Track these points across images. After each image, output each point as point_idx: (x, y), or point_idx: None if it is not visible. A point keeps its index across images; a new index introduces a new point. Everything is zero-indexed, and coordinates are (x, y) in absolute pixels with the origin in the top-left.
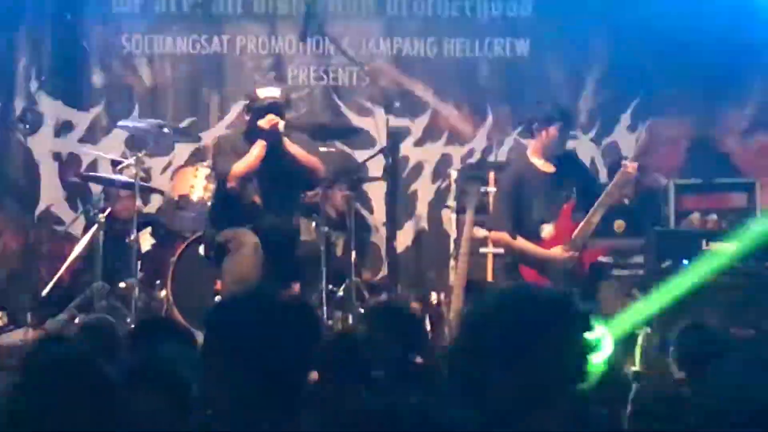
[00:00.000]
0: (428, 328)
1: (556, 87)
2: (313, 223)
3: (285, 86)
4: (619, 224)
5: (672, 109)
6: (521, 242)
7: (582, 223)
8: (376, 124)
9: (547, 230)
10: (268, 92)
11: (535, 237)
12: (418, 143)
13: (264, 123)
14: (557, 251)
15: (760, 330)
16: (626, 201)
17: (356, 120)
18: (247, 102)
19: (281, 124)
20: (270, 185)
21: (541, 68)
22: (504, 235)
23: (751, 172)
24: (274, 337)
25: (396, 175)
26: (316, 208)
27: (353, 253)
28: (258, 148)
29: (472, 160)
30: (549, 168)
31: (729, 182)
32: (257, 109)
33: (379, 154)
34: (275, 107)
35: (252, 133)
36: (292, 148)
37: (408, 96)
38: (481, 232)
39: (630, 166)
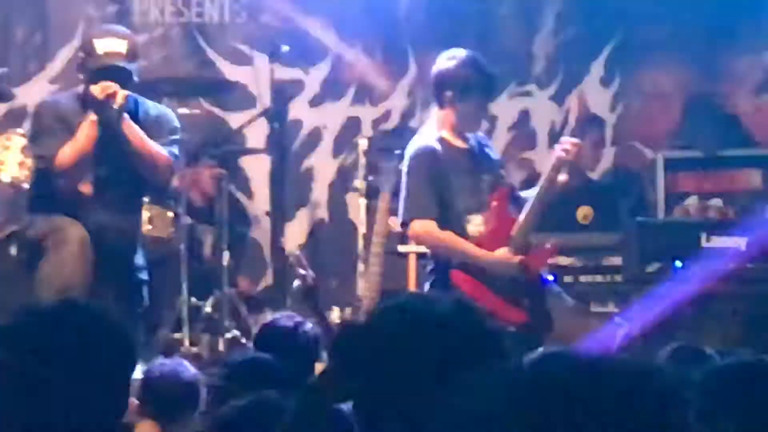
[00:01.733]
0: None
1: (501, 25)
2: (170, 213)
3: (127, 34)
4: (584, 212)
5: (661, 55)
6: (455, 239)
7: (522, 217)
8: (257, 76)
9: (475, 223)
10: (108, 46)
11: (461, 232)
12: (315, 102)
13: (97, 91)
14: (504, 253)
15: None
16: (563, 187)
17: (229, 71)
18: (81, 54)
19: (121, 96)
20: (105, 173)
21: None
22: (430, 226)
23: None
24: (57, 379)
25: (284, 146)
26: (175, 193)
27: (226, 254)
28: (87, 128)
29: (389, 125)
30: (462, 144)
31: (738, 155)
32: (91, 71)
33: (262, 117)
34: (115, 71)
35: (88, 100)
36: (130, 130)
37: (300, 38)
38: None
39: (565, 145)
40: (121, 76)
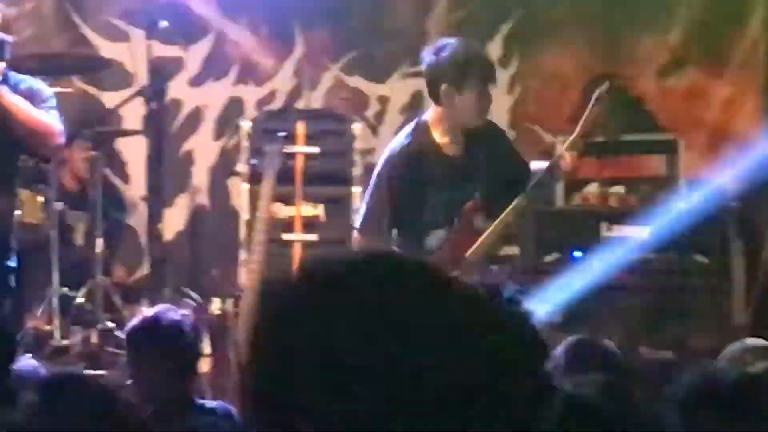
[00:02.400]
0: (205, 350)
1: (393, 2)
2: (40, 198)
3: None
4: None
5: (561, 35)
6: None
7: (483, 238)
8: (133, 53)
9: (435, 239)
10: None
11: (419, 246)
12: (196, 82)
13: None
14: None
15: (682, 350)
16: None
17: (104, 47)
18: None
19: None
20: None
21: None
22: (373, 243)
23: (674, 125)
24: None
25: (162, 127)
26: (45, 176)
27: (99, 242)
28: None
29: (274, 106)
30: (456, 150)
31: (641, 140)
32: None
33: (138, 96)
34: None
35: None
36: (10, 101)
37: (180, 12)
38: (284, 211)
39: (566, 157)
40: None
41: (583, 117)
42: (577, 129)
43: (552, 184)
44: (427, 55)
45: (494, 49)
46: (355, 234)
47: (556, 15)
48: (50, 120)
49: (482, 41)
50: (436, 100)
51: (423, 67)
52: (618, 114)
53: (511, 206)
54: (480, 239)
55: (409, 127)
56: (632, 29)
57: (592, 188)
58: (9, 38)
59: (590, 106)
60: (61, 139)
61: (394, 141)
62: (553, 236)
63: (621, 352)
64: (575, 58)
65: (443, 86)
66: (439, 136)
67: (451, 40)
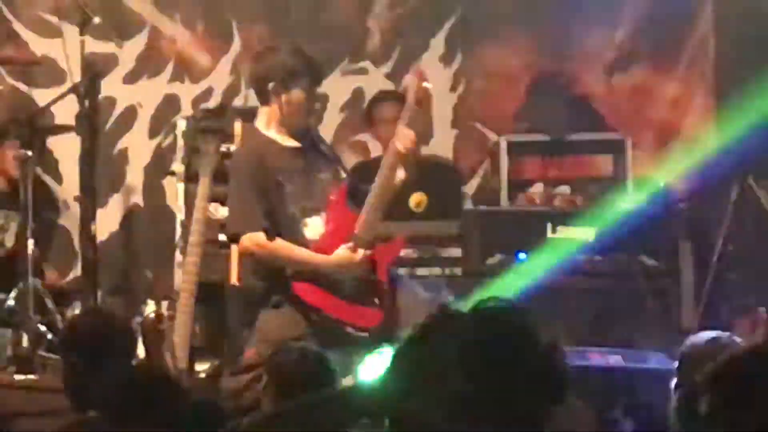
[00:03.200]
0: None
1: None
2: None
3: None
4: (417, 200)
5: (505, 30)
6: (289, 248)
7: (364, 213)
8: (66, 48)
9: (313, 226)
10: None
11: (297, 238)
12: (130, 78)
13: None
14: (343, 254)
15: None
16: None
17: (36, 44)
18: None
19: None
20: None
21: None
22: (260, 238)
23: (621, 124)
24: None
25: (96, 125)
26: None
27: (31, 243)
28: None
29: (210, 104)
30: (293, 142)
31: (587, 140)
32: None
33: (71, 93)
34: None
35: None
36: None
37: (114, 8)
38: (220, 211)
39: (402, 140)
40: None
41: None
42: (408, 105)
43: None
44: (256, 55)
45: (437, 46)
46: (234, 236)
47: (501, 10)
48: None
49: (424, 38)
50: (264, 100)
51: (250, 67)
52: (560, 112)
53: (378, 182)
54: (362, 216)
55: (244, 137)
56: (579, 25)
57: (537, 188)
58: None
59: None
60: None
61: (235, 151)
62: (497, 237)
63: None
64: (520, 54)
65: (270, 85)
66: (273, 134)
67: (281, 42)
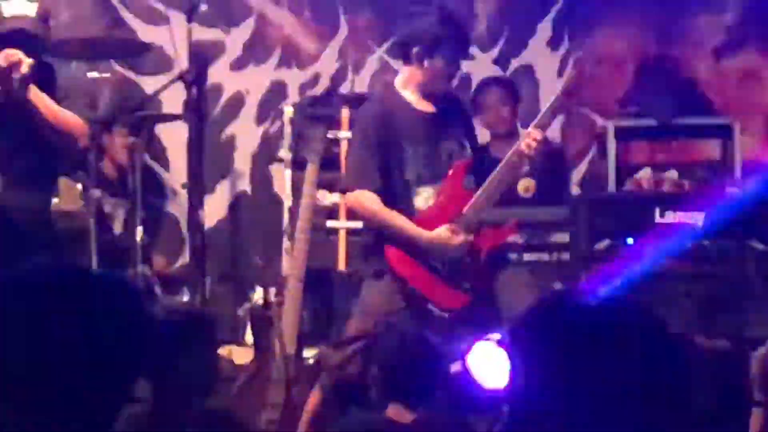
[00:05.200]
0: (251, 340)
1: None
2: (79, 185)
3: None
4: (525, 185)
5: (612, 15)
6: (391, 215)
7: (477, 195)
8: (173, 37)
9: (425, 196)
10: (16, 8)
11: (407, 205)
12: (237, 66)
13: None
14: (443, 234)
15: (739, 339)
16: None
17: (143, 31)
18: None
19: (26, 66)
20: (8, 147)
21: None
22: (367, 198)
23: (729, 108)
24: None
25: (203, 113)
26: (83, 163)
27: (139, 230)
28: None
29: (317, 90)
30: (428, 107)
31: (695, 124)
32: None
33: (179, 81)
34: (22, 36)
35: None
36: (41, 102)
37: None
38: (328, 198)
39: (532, 137)
40: (28, 43)
41: (555, 95)
42: (547, 106)
43: (520, 165)
44: (406, 16)
45: (544, 30)
46: (346, 188)
47: None
48: (81, 122)
49: (531, 23)
50: (406, 60)
51: (399, 26)
52: (668, 96)
53: (500, 166)
54: (475, 197)
55: (377, 92)
56: (686, 9)
57: (645, 173)
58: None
59: (563, 84)
60: (87, 140)
61: (365, 105)
62: (604, 223)
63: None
64: (627, 38)
65: (415, 48)
66: (408, 95)
67: (433, 6)
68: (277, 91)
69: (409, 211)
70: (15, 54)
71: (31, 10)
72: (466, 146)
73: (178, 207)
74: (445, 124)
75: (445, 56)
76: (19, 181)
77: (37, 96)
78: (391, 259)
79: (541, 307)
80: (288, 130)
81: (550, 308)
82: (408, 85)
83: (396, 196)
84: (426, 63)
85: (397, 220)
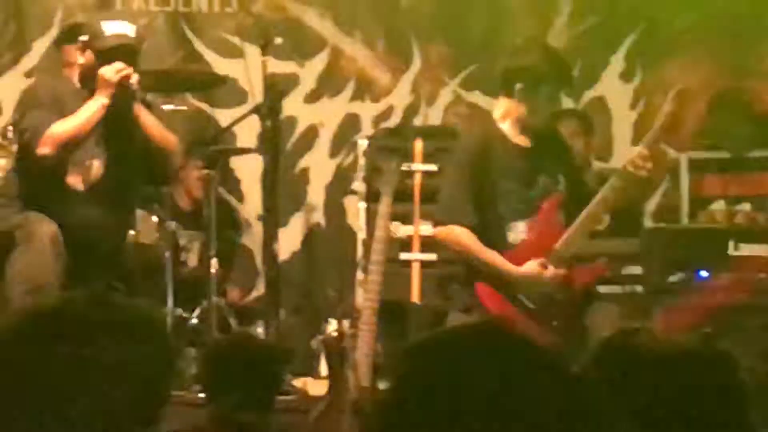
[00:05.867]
0: (325, 372)
1: (514, 14)
2: (155, 217)
3: (133, 16)
4: None
5: (686, 47)
6: (482, 249)
7: (571, 230)
8: (248, 69)
9: (519, 231)
10: (117, 27)
11: (500, 240)
12: (311, 98)
13: (110, 73)
14: (532, 269)
15: None
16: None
17: (218, 64)
18: (84, 37)
19: (135, 78)
20: (100, 165)
21: None
22: (460, 232)
23: None
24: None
25: (278, 145)
26: (159, 196)
27: (214, 262)
28: (95, 107)
29: (391, 123)
30: (525, 141)
31: None
32: (99, 51)
33: (253, 114)
34: (127, 52)
35: (96, 82)
36: (146, 117)
37: (295, 28)
38: (402, 230)
39: (639, 159)
40: (132, 59)
41: (661, 117)
42: (654, 128)
43: (628, 184)
44: (510, 50)
45: (617, 63)
46: (440, 222)
47: (681, 27)
48: (176, 141)
49: (604, 55)
50: (507, 94)
51: (502, 60)
52: (741, 129)
53: (595, 200)
54: (568, 232)
55: (475, 124)
56: (759, 42)
57: (719, 206)
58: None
59: (667, 105)
60: (181, 159)
61: (463, 135)
62: (678, 255)
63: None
64: (700, 71)
65: (518, 85)
66: (506, 128)
67: (536, 41)
68: (350, 124)
69: (502, 246)
70: (124, 67)
71: (131, 30)
72: (560, 181)
73: (252, 239)
74: (540, 158)
75: (547, 93)
76: (104, 200)
77: (140, 109)
78: (481, 296)
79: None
80: (362, 162)
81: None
82: (506, 118)
83: (490, 231)
84: (528, 99)
85: (488, 254)
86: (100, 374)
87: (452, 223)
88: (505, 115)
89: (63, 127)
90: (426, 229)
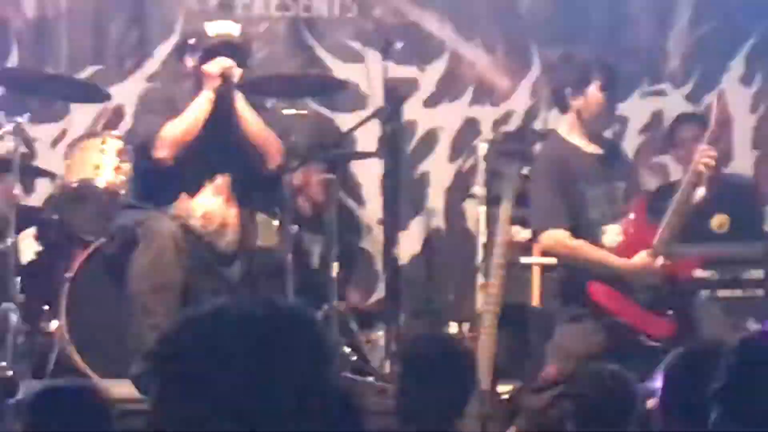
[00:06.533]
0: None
1: (632, 19)
2: (276, 221)
3: (237, 19)
4: (719, 221)
5: None
6: (589, 247)
7: (663, 226)
8: (369, 74)
9: (612, 234)
10: (221, 27)
11: (594, 244)
12: (431, 103)
13: (213, 68)
14: (644, 258)
15: None
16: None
17: (339, 68)
18: (192, 40)
19: (236, 73)
20: (216, 160)
21: None
22: (561, 235)
23: None
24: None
25: (398, 149)
26: (281, 199)
27: (335, 265)
28: (203, 102)
29: (510, 127)
30: (596, 149)
31: None
32: (204, 49)
33: (373, 118)
34: (230, 48)
35: (201, 78)
36: (246, 112)
37: (415, 33)
38: (522, 234)
39: (704, 157)
40: (236, 55)
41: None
42: (711, 125)
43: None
44: (559, 63)
45: (737, 67)
46: (538, 229)
47: None
48: (278, 140)
49: (724, 59)
50: (564, 108)
51: (552, 74)
52: None
53: (676, 197)
54: (661, 227)
55: (546, 141)
56: None
57: None
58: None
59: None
60: (280, 159)
61: (538, 154)
62: None
63: None
64: None
65: (567, 90)
66: (575, 139)
67: (582, 52)
68: (470, 128)
69: (599, 245)
70: (228, 61)
71: (235, 29)
72: (639, 182)
73: (372, 243)
74: (612, 163)
75: (596, 88)
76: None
77: (242, 106)
78: (596, 294)
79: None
80: (482, 166)
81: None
82: (572, 131)
83: (584, 236)
84: (581, 100)
85: (597, 252)
86: (278, 371)
87: (549, 228)
88: (570, 128)
89: (173, 128)
90: (527, 233)
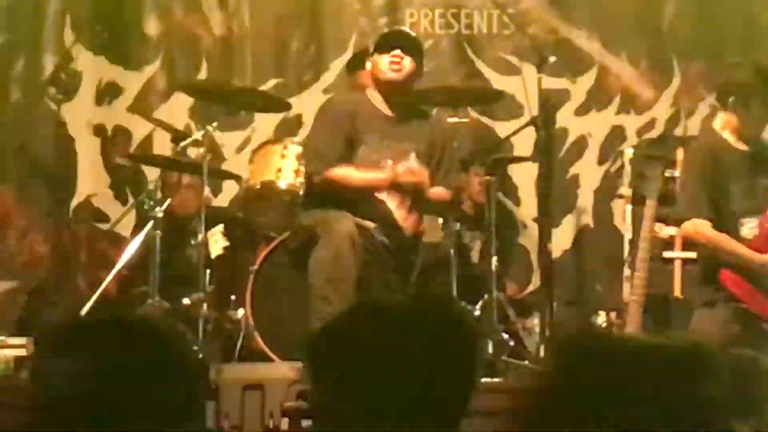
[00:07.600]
0: None
1: None
2: (440, 219)
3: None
4: None
5: None
6: (726, 238)
7: None
8: (525, 85)
9: (750, 227)
10: (396, 30)
11: (733, 236)
12: (581, 111)
13: (405, 175)
14: None
15: None
16: None
17: (497, 81)
18: (371, 48)
19: (408, 64)
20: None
21: (749, 5)
22: (704, 225)
23: None
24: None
25: (551, 154)
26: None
27: (494, 260)
28: (380, 182)
29: (653, 133)
30: (741, 146)
31: None
32: (378, 45)
33: (529, 126)
34: (406, 41)
35: (379, 87)
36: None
37: (567, 48)
38: (665, 230)
39: None
40: (411, 48)
41: None
42: None
43: None
44: (728, 66)
45: None
46: (680, 218)
47: None
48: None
49: None
50: (724, 107)
51: (721, 80)
52: None
53: None
54: None
55: (700, 134)
56: None
57: None
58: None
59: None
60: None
61: (691, 144)
62: None
63: None
64: None
65: (731, 98)
66: (727, 135)
67: (751, 60)
68: (616, 134)
69: (737, 241)
70: (400, 55)
71: (410, 31)
72: None
73: (528, 239)
74: (758, 162)
75: (757, 105)
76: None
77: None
78: (727, 282)
79: None
80: (628, 169)
81: None
82: (725, 127)
83: (724, 227)
84: (741, 111)
85: (733, 243)
86: (433, 360)
87: (691, 217)
88: (724, 124)
89: (344, 176)
90: (672, 230)
